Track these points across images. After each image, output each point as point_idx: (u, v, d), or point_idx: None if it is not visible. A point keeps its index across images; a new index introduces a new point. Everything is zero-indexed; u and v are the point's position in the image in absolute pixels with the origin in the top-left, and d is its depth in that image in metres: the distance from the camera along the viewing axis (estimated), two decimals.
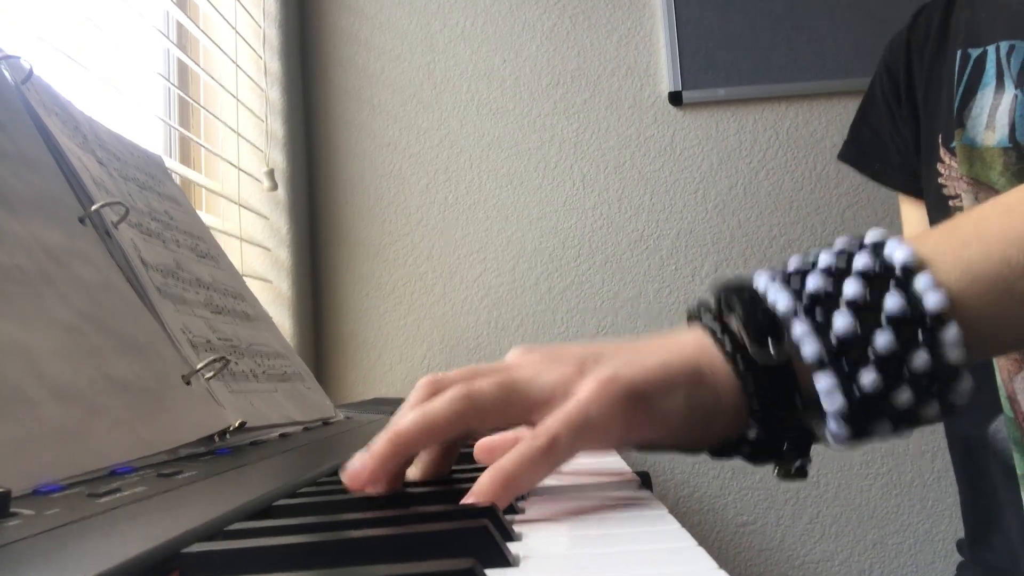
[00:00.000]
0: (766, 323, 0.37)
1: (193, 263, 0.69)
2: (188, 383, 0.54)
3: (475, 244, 1.51)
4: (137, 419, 0.45)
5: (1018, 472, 0.72)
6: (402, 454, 0.37)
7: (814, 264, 0.39)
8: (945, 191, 0.78)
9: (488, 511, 0.32)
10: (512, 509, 0.36)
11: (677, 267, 1.50)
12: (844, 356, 0.36)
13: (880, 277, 0.37)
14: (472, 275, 1.50)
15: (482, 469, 0.40)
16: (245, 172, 1.34)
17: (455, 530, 0.27)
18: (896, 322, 0.36)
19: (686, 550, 0.28)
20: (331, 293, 1.51)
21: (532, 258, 1.51)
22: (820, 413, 0.37)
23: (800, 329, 0.36)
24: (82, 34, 0.96)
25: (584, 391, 0.36)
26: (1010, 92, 0.72)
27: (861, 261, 0.38)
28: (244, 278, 0.85)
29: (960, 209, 0.76)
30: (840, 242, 0.40)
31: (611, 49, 1.55)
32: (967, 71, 0.76)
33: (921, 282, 0.36)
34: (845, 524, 1.45)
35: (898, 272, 0.37)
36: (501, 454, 0.37)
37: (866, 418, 0.36)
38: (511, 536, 0.31)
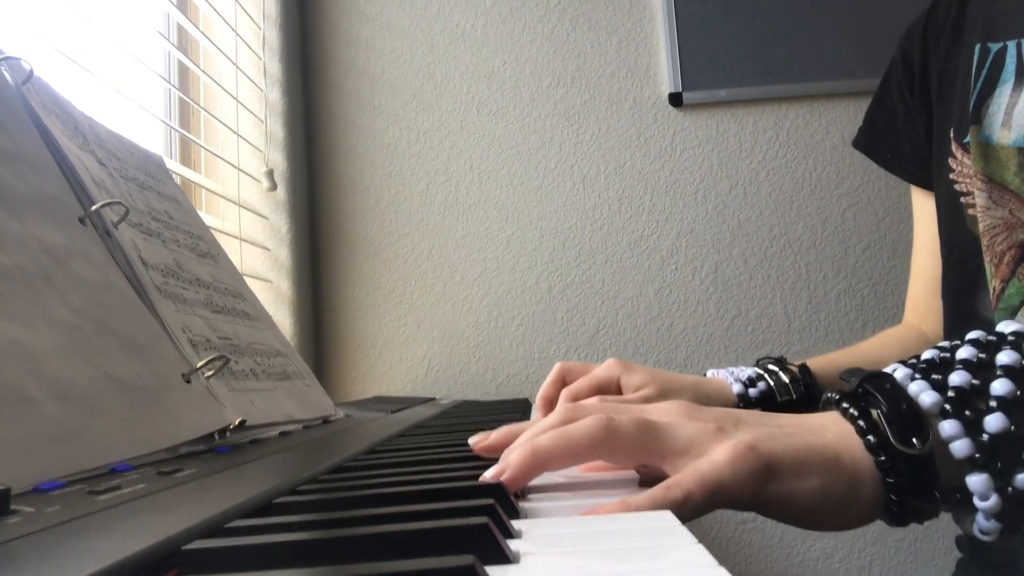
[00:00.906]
0: (910, 417, 0.37)
1: (193, 262, 0.69)
2: (188, 382, 0.54)
3: (475, 244, 1.51)
4: (137, 418, 0.45)
5: None
6: (539, 469, 0.38)
7: (952, 356, 0.39)
8: (957, 187, 0.76)
9: (488, 508, 0.32)
10: (512, 507, 0.36)
11: (677, 267, 1.50)
12: (998, 455, 0.36)
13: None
14: (472, 275, 1.51)
15: (486, 467, 0.40)
16: (245, 172, 1.34)
17: (455, 527, 0.27)
18: None
19: (686, 547, 0.28)
20: (331, 293, 1.51)
21: (532, 258, 1.51)
22: (968, 506, 0.37)
23: (951, 427, 0.37)
24: (82, 34, 0.96)
25: (720, 453, 0.37)
26: None
27: (1006, 357, 0.38)
28: (244, 278, 0.85)
29: (972, 206, 0.74)
30: (974, 334, 0.40)
31: (611, 50, 1.55)
32: (986, 66, 0.74)
33: None
34: None
35: None
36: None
37: (1019, 514, 0.36)
38: (511, 533, 0.31)
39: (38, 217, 0.49)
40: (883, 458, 0.37)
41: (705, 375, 0.78)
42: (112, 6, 1.05)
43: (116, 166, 0.67)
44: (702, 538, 0.29)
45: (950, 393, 0.37)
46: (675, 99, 1.52)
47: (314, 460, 0.50)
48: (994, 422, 0.36)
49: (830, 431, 0.39)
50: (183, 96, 1.22)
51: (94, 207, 0.56)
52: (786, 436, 0.38)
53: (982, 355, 0.39)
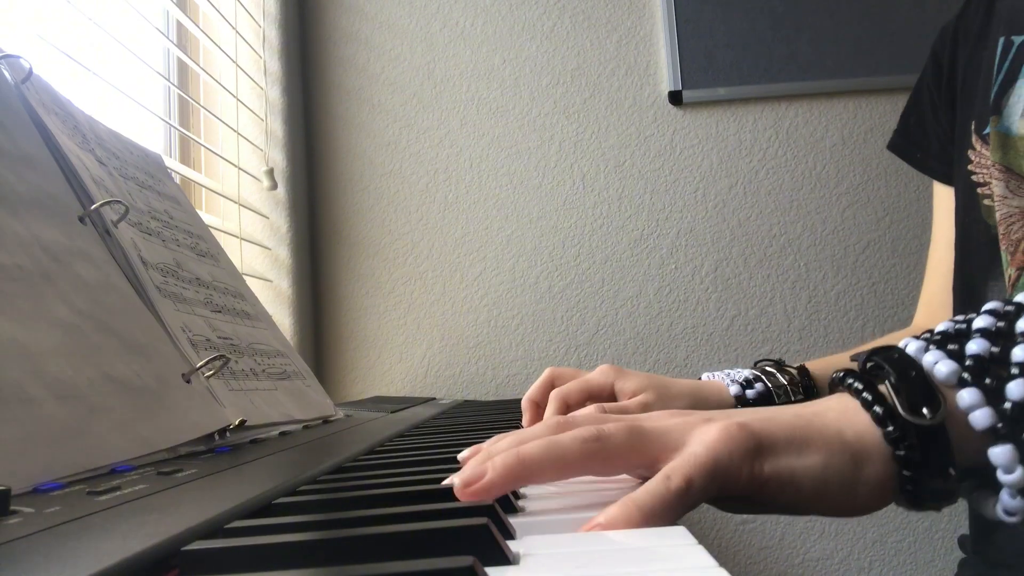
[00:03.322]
0: (920, 386, 0.36)
1: (193, 262, 0.69)
2: (188, 382, 0.54)
3: (475, 243, 1.51)
4: (137, 417, 0.45)
5: None
6: (524, 479, 0.35)
7: (968, 326, 0.37)
8: (974, 178, 0.77)
9: (488, 509, 0.32)
10: (512, 508, 0.36)
11: (677, 267, 1.50)
12: (1022, 424, 0.34)
13: None
14: (472, 274, 1.50)
15: None
16: (245, 171, 1.34)
17: (455, 528, 0.27)
18: None
19: (686, 547, 0.28)
20: (331, 292, 1.51)
21: (532, 257, 1.51)
22: (990, 485, 0.35)
23: (970, 396, 0.35)
24: (82, 33, 0.96)
25: (711, 434, 0.35)
26: None
27: None
28: (244, 277, 0.85)
29: (988, 197, 0.75)
30: (990, 304, 0.39)
31: (611, 49, 1.55)
32: (1009, 58, 0.74)
33: None
34: (845, 522, 1.45)
35: None
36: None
37: None
38: (511, 534, 0.31)
39: (38, 216, 0.49)
40: (891, 429, 0.35)
41: (700, 378, 0.78)
42: (112, 5, 1.05)
43: (116, 165, 0.67)
44: (702, 539, 0.29)
45: (968, 362, 0.35)
46: (675, 97, 1.52)
47: (314, 460, 0.49)
48: (1017, 389, 0.34)
49: (832, 410, 0.37)
50: (183, 94, 1.22)
51: (94, 206, 0.56)
52: (780, 416, 0.37)
53: (1000, 324, 0.36)
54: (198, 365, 0.56)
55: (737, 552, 1.45)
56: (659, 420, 0.38)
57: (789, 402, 0.73)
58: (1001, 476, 0.35)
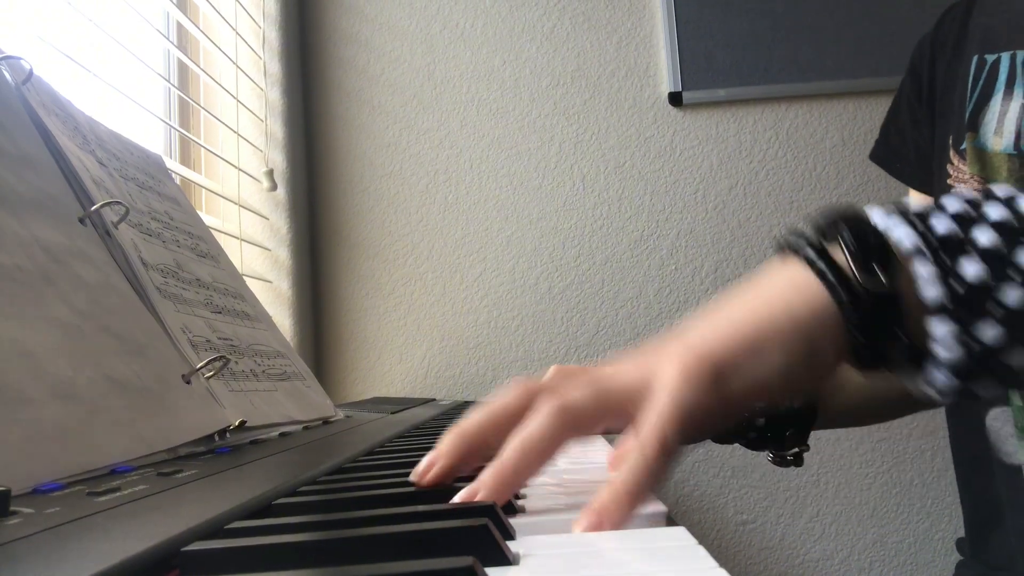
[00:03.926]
0: (878, 250, 0.35)
1: (193, 263, 0.69)
2: (188, 382, 0.54)
3: (475, 244, 1.51)
4: (137, 418, 0.45)
5: (1023, 461, 0.73)
6: (513, 487, 0.35)
7: (940, 208, 0.36)
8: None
9: (488, 509, 0.32)
10: (512, 508, 0.36)
11: (677, 267, 1.50)
12: (969, 305, 0.34)
13: (1016, 231, 0.35)
14: (472, 275, 1.50)
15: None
16: (245, 172, 1.34)
17: (455, 528, 0.27)
18: None
19: (686, 548, 0.28)
20: (331, 293, 1.51)
21: (532, 258, 1.51)
22: (926, 359, 0.35)
23: (925, 269, 0.34)
24: (82, 34, 0.96)
25: (670, 376, 0.34)
26: (1018, 100, 0.73)
27: (996, 211, 0.35)
28: (244, 278, 0.85)
29: None
30: (965, 192, 0.38)
31: (611, 50, 1.55)
32: (983, 76, 0.77)
33: None
34: (845, 522, 1.45)
35: None
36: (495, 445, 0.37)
37: (977, 373, 0.34)
38: (511, 534, 0.31)
39: (38, 217, 0.49)
40: (843, 296, 0.35)
41: None
42: (112, 5, 1.05)
43: (116, 166, 0.67)
44: (702, 539, 0.29)
45: (930, 238, 0.35)
46: (675, 99, 1.52)
47: (314, 461, 0.50)
48: (972, 270, 0.34)
49: (780, 290, 0.36)
50: (183, 95, 1.22)
51: (94, 207, 0.56)
52: (731, 324, 0.36)
53: (970, 209, 0.36)
54: (198, 366, 0.56)
55: (737, 552, 1.45)
56: (618, 370, 0.38)
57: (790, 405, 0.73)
58: (938, 350, 0.35)
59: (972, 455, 0.82)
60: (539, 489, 0.43)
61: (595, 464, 0.53)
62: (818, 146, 1.53)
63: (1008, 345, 0.34)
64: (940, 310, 0.34)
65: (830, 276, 0.35)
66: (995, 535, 0.81)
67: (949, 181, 0.79)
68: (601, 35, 1.55)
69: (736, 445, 0.62)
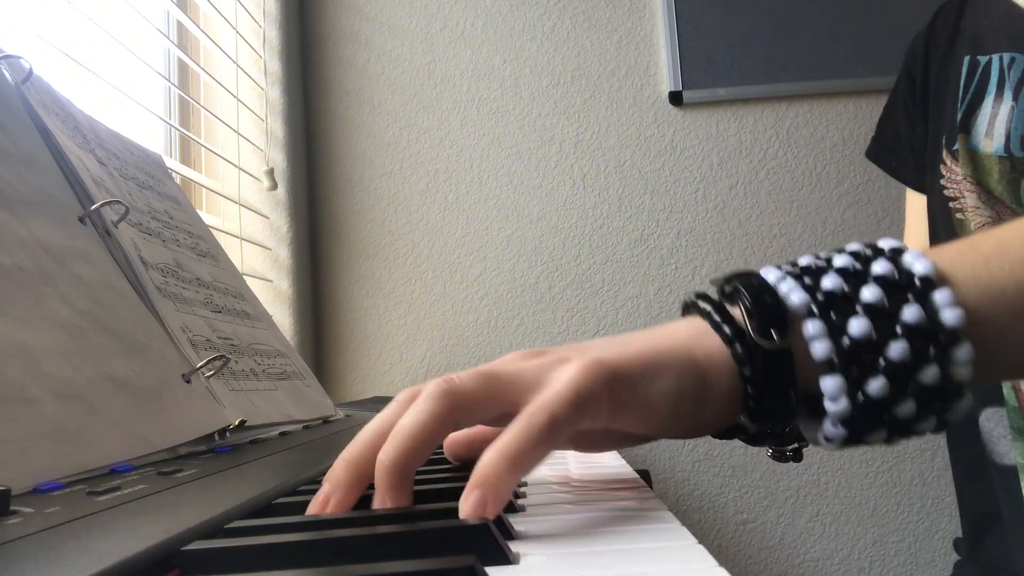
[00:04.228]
0: (774, 311, 0.36)
1: (193, 262, 0.69)
2: (188, 382, 0.54)
3: (475, 243, 1.51)
4: (137, 418, 0.45)
5: (1019, 461, 0.73)
6: (408, 477, 0.34)
7: (828, 263, 0.38)
8: (946, 193, 0.79)
9: None
10: (512, 507, 0.36)
11: (677, 267, 1.50)
12: (856, 360, 0.35)
13: (899, 286, 0.36)
14: (472, 275, 1.50)
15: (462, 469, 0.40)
16: (245, 171, 1.34)
17: (455, 528, 0.28)
18: (912, 333, 0.35)
19: (686, 548, 0.28)
20: (331, 292, 1.51)
21: (532, 258, 1.51)
22: (818, 412, 0.37)
23: (813, 327, 0.36)
24: (82, 33, 0.96)
25: (569, 371, 0.35)
26: (1008, 103, 0.74)
27: (880, 267, 0.37)
28: (244, 277, 0.85)
29: (960, 211, 0.78)
30: (853, 246, 0.39)
31: (611, 49, 1.55)
32: (975, 78, 0.77)
33: (940, 297, 0.36)
34: (845, 522, 1.45)
35: (917, 283, 0.36)
36: (480, 446, 0.36)
37: (865, 425, 0.36)
38: (511, 534, 0.31)
39: (38, 217, 0.49)
40: (739, 349, 0.36)
41: None
42: (112, 5, 1.05)
43: (116, 165, 0.67)
44: (702, 539, 0.29)
45: (819, 296, 0.37)
46: (675, 98, 1.52)
47: (314, 460, 0.50)
48: (857, 326, 0.35)
49: (684, 332, 0.38)
50: (183, 94, 1.22)
51: (94, 206, 0.56)
52: (633, 344, 0.38)
53: (858, 265, 0.37)
54: (198, 365, 0.56)
55: (737, 552, 1.45)
56: (514, 363, 0.38)
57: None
58: (827, 404, 0.36)
59: (968, 455, 0.82)
60: (540, 488, 0.43)
61: (602, 465, 0.53)
62: (818, 145, 1.53)
63: (894, 398, 0.35)
64: (829, 366, 0.36)
65: (726, 329, 0.37)
66: (992, 535, 0.81)
67: (942, 181, 0.80)
68: (601, 34, 1.55)
69: (736, 443, 0.62)
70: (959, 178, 0.77)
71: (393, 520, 0.31)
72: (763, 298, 0.37)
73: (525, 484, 0.44)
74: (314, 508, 0.35)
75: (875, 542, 1.45)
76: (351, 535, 0.27)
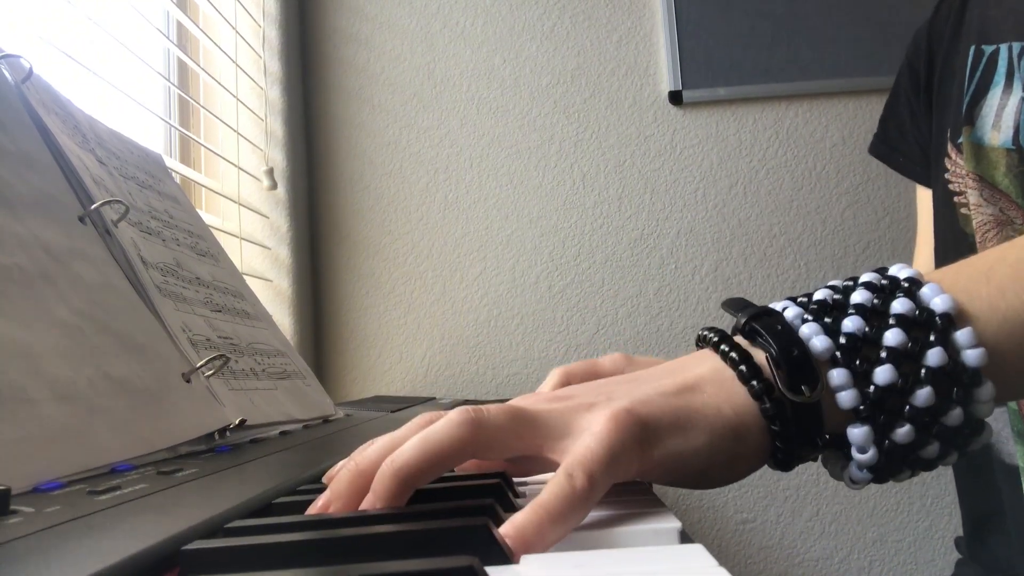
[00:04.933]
0: (802, 364, 0.36)
1: (193, 261, 0.69)
2: (188, 381, 0.54)
3: (475, 243, 1.51)
4: (137, 417, 0.45)
5: (1021, 464, 0.72)
6: (410, 488, 0.34)
7: (845, 297, 0.38)
8: (951, 187, 0.78)
9: (488, 509, 0.32)
10: (512, 507, 0.36)
11: (677, 266, 1.50)
12: (881, 408, 0.35)
13: (919, 324, 0.36)
14: (472, 274, 1.50)
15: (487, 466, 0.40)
16: (245, 171, 1.34)
17: (456, 528, 0.27)
18: (936, 377, 0.35)
19: (686, 547, 0.28)
20: (331, 291, 1.51)
21: (532, 257, 1.51)
22: (843, 453, 0.37)
23: (839, 377, 0.36)
24: (82, 33, 0.96)
25: (600, 423, 0.34)
26: (1018, 94, 0.71)
27: (900, 305, 0.37)
28: (244, 276, 0.85)
29: (965, 206, 0.76)
30: (868, 276, 0.39)
31: (611, 48, 1.55)
32: (980, 68, 0.75)
33: (962, 338, 0.36)
34: (845, 521, 1.45)
35: (938, 321, 0.36)
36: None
37: (892, 468, 0.36)
38: None
39: (38, 216, 0.49)
40: (768, 406, 0.36)
41: None
42: (112, 5, 1.05)
43: (116, 165, 0.67)
44: (702, 539, 0.29)
45: (842, 340, 0.36)
46: (675, 97, 1.52)
47: (314, 460, 0.50)
48: (883, 374, 0.35)
49: (708, 382, 0.37)
50: (183, 94, 1.22)
51: (94, 206, 0.56)
52: (662, 396, 0.37)
53: (876, 301, 0.37)
54: (198, 365, 0.56)
55: (737, 552, 1.45)
56: (540, 404, 0.37)
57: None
58: (855, 454, 0.36)
59: (971, 454, 0.82)
60: (540, 488, 0.43)
61: None
62: (818, 145, 1.53)
63: (920, 442, 0.36)
64: (856, 415, 0.36)
65: (755, 384, 0.36)
66: (994, 534, 0.81)
67: (947, 176, 0.78)
68: (601, 34, 1.55)
69: None
70: (963, 173, 0.75)
71: (393, 520, 0.31)
72: (790, 349, 0.36)
73: (525, 484, 0.44)
74: (313, 513, 0.34)
75: (875, 541, 1.45)
76: (351, 535, 0.27)
